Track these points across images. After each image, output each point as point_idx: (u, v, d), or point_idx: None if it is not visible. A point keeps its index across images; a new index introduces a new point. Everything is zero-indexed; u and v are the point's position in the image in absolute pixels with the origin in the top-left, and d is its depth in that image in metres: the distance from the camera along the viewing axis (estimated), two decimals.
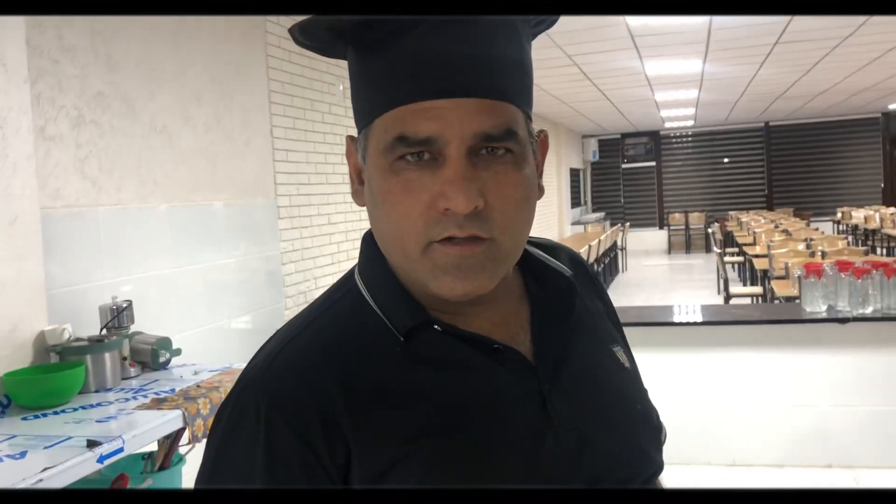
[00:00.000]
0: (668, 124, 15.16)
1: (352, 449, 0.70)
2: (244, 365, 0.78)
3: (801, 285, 3.86)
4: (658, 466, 0.83)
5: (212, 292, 3.23)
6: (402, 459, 0.70)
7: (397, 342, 0.74)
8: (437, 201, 0.69)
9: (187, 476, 2.15)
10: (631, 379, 0.87)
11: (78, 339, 2.19)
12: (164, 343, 2.38)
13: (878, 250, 11.51)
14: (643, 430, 0.83)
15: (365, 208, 0.77)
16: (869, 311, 3.67)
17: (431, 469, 0.70)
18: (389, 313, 0.76)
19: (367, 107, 0.74)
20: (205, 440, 1.16)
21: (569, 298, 0.83)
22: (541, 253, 0.87)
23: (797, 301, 4.05)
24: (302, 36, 0.74)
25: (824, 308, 3.74)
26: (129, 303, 2.40)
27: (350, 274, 0.83)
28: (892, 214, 11.54)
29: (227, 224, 3.37)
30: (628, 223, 15.46)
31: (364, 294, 0.79)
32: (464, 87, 0.70)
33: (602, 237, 10.63)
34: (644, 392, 0.89)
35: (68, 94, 2.50)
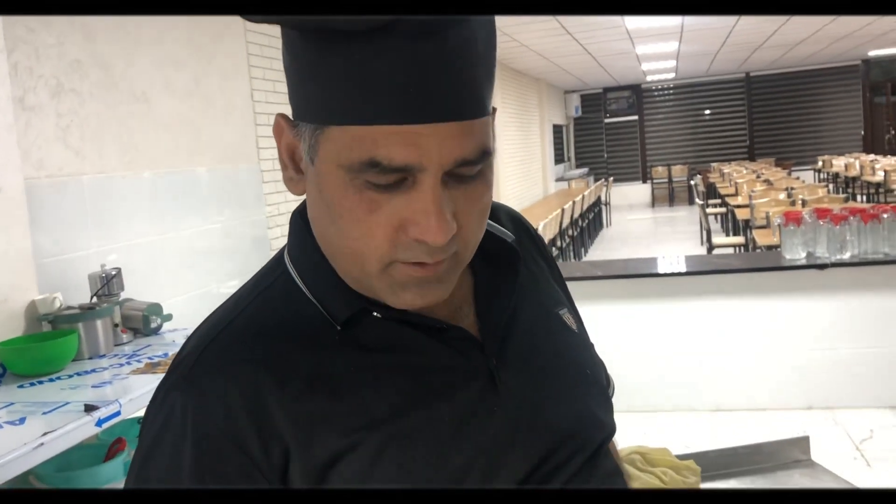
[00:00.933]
0: (649, 77, 15.11)
1: (290, 446, 0.65)
2: None
3: (780, 233, 3.91)
4: (610, 430, 0.82)
5: (199, 258, 3.25)
6: (345, 453, 0.66)
7: (334, 331, 0.70)
8: (406, 227, 0.63)
9: None
10: (579, 342, 0.85)
11: (69, 308, 2.21)
12: (155, 309, 2.41)
13: (859, 197, 11.61)
14: (594, 395, 0.82)
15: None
16: (847, 256, 3.74)
17: (376, 460, 0.66)
18: (324, 301, 0.71)
19: (322, 102, 0.63)
20: None
21: (512, 265, 0.78)
22: None
23: (777, 249, 4.12)
24: None
25: (803, 255, 3.81)
26: (119, 270, 2.41)
27: (279, 257, 0.76)
28: (871, 161, 11.62)
29: (211, 189, 3.37)
30: (612, 178, 15.48)
31: (296, 280, 0.73)
32: (448, 110, 0.61)
33: (586, 193, 10.67)
34: (592, 351, 0.88)
35: (46, 63, 2.48)
